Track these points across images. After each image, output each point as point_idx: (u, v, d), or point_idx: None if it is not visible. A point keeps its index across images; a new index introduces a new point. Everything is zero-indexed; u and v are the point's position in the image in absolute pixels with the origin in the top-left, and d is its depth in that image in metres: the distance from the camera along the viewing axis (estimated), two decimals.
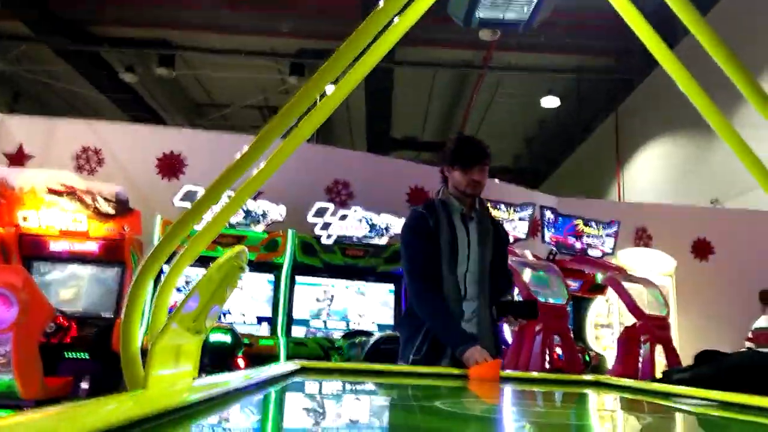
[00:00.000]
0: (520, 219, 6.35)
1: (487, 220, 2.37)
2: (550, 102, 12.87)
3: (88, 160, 5.98)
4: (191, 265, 1.17)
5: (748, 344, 5.64)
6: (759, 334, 5.27)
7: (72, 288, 4.89)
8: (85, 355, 4.45)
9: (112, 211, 4.87)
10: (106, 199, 4.85)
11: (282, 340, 5.07)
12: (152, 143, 6.24)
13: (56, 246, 4.84)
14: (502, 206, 6.30)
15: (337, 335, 5.34)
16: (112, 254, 4.83)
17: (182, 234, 1.13)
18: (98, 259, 4.87)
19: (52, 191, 4.80)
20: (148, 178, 6.05)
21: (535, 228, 6.90)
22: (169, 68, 11.43)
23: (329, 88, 1.29)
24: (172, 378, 1.04)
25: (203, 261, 1.43)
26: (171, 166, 6.17)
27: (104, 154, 6.04)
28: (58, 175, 4.90)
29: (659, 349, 4.99)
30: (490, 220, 2.41)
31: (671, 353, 4.97)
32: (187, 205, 5.12)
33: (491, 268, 2.31)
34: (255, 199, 5.44)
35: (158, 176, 6.14)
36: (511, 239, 6.17)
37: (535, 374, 2.02)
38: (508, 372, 1.91)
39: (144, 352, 0.99)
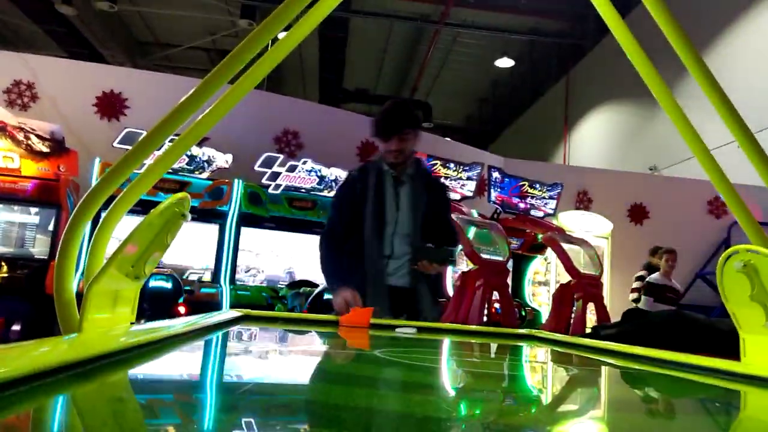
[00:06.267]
0: (468, 178, 6.45)
1: (421, 183, 2.42)
2: (504, 63, 12.93)
3: (20, 95, 5.64)
4: (131, 211, 1.14)
5: (632, 296, 5.97)
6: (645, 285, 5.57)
7: (2, 228, 4.68)
8: (17, 297, 4.31)
9: (46, 150, 4.64)
10: (39, 137, 4.61)
11: (225, 289, 5.04)
12: (91, 81, 5.93)
13: None
14: (452, 165, 6.38)
15: (281, 285, 5.35)
16: (46, 195, 4.64)
17: (121, 177, 1.09)
18: (31, 199, 4.66)
19: None
20: (87, 118, 5.77)
21: (482, 187, 7.03)
22: (110, 2, 10.77)
23: (281, 34, 1.25)
24: (109, 322, 1.02)
25: (145, 207, 1.39)
26: (111, 106, 5.89)
27: (38, 89, 5.70)
28: None
29: (591, 307, 5.24)
30: (426, 183, 2.46)
31: (601, 310, 5.24)
32: (128, 148, 4.92)
33: (430, 227, 2.37)
34: (200, 145, 5.29)
35: (97, 116, 5.86)
36: (458, 196, 6.28)
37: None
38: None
39: (80, 297, 0.97)
